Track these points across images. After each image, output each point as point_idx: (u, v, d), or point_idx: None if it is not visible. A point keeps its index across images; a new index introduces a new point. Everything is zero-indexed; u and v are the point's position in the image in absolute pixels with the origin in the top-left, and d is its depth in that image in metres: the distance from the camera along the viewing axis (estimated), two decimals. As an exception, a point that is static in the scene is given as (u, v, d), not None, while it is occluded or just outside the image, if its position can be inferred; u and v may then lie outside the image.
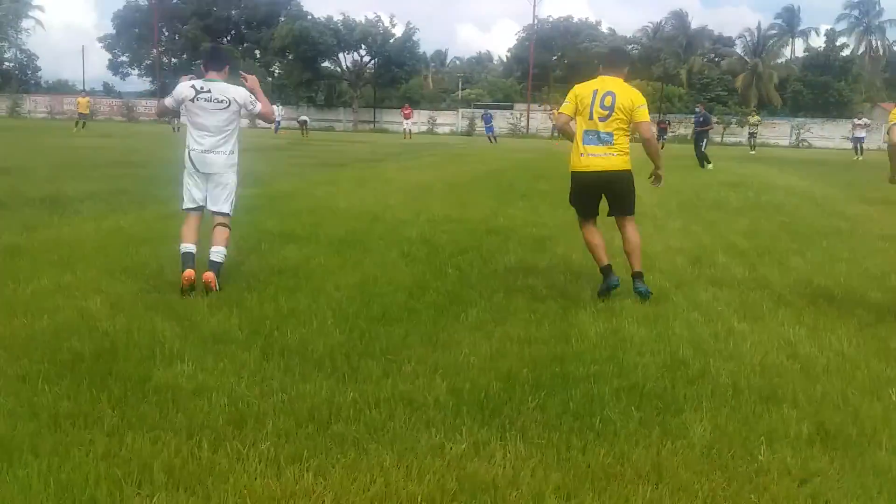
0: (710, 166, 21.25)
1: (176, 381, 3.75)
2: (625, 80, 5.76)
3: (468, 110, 58.86)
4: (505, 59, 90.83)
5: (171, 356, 4.10)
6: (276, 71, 69.70)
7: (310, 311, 5.02)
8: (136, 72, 75.58)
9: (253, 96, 5.77)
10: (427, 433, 3.26)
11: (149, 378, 3.78)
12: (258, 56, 70.77)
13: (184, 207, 5.83)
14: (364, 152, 24.38)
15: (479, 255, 7.16)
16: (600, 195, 5.77)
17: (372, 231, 8.28)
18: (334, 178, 14.74)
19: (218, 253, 5.61)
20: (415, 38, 57.39)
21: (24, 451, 2.99)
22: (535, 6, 59.89)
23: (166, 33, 72.17)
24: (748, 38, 74.36)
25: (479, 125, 52.41)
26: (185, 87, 5.65)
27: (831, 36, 68.00)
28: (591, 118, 5.55)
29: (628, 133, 5.64)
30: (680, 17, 79.19)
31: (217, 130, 5.63)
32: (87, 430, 3.21)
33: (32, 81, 79.82)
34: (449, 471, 2.93)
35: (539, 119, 57.26)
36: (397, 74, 58.50)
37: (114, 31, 73.91)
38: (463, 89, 70.49)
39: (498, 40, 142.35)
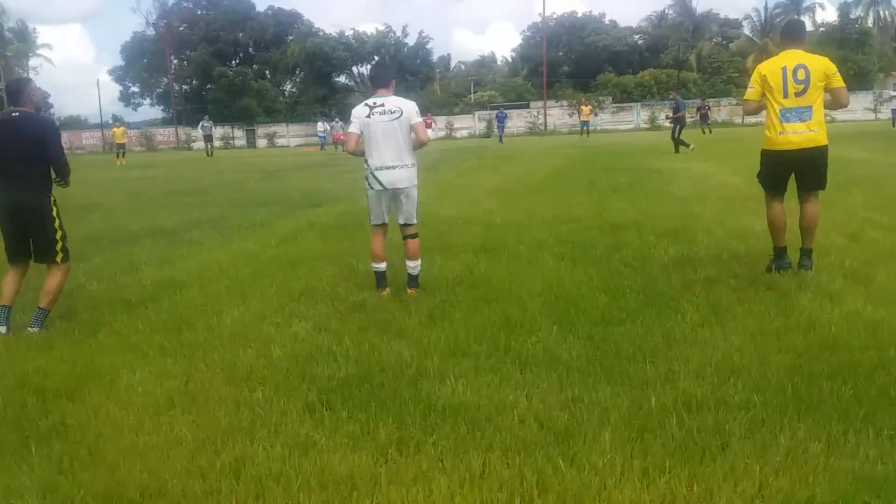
0: (692, 147, 21.04)
1: (468, 399, 3.67)
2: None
3: (485, 112, 58.81)
4: (510, 60, 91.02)
5: (437, 375, 4.02)
6: (288, 90, 69.96)
7: (527, 320, 4.93)
8: (147, 101, 76.13)
9: (417, 111, 5.75)
10: (769, 432, 3.16)
11: (437, 399, 3.69)
12: (269, 76, 71.06)
13: (372, 223, 5.91)
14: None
15: (632, 250, 7.05)
16: (792, 172, 5.71)
17: (502, 236, 8.18)
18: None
19: (415, 267, 5.81)
20: (428, 46, 57.54)
21: (381, 484, 2.92)
22: (544, 2, 58.43)
23: (175, 61, 72.58)
24: (755, 19, 74.13)
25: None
26: (359, 108, 5.72)
27: (844, 9, 67.70)
28: (786, 96, 5.52)
29: (823, 103, 5.58)
30: (683, 4, 79.08)
31: (395, 143, 5.61)
32: (417, 456, 3.13)
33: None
34: (827, 472, 2.83)
35: (556, 115, 57.16)
36: (411, 83, 58.52)
37: (123, 63, 74.47)
38: (475, 92, 70.45)
39: (496, 42, 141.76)
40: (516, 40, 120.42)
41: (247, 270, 7.00)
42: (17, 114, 5.29)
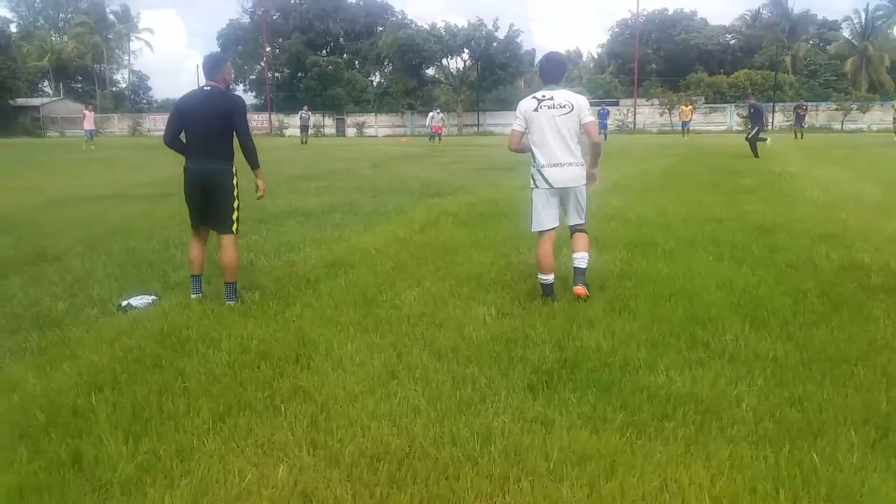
0: (768, 142, 20.96)
1: (690, 390, 3.72)
2: None
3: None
4: (595, 56, 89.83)
5: (646, 365, 4.08)
6: (375, 80, 70.84)
7: (715, 317, 4.93)
8: (240, 87, 78.21)
9: (589, 107, 5.50)
10: None
11: (658, 388, 3.76)
12: (357, 66, 72.06)
13: (536, 230, 5.57)
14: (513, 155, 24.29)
15: (791, 254, 6.92)
16: None
17: (645, 233, 8.14)
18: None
19: (583, 258, 5.51)
20: (518, 39, 57.28)
21: (637, 465, 3.01)
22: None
23: (267, 49, 74.29)
24: (854, 21, 70.99)
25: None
26: (526, 101, 5.50)
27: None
28: None
29: None
30: (779, 4, 76.40)
31: (565, 139, 5.33)
32: (659, 441, 3.21)
33: (144, 101, 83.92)
34: None
35: (646, 114, 56.19)
36: (501, 77, 58.49)
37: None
38: (562, 88, 69.56)
39: (577, 38, 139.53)
40: (599, 37, 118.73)
41: (405, 254, 7.19)
42: (209, 88, 5.55)
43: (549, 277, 5.48)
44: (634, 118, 56.03)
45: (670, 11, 79.82)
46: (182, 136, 5.59)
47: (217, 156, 5.51)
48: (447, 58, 59.22)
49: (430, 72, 62.28)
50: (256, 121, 62.57)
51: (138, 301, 5.55)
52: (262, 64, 72.45)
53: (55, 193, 13.24)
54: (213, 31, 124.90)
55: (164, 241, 8.16)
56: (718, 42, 76.16)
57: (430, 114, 41.41)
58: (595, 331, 4.68)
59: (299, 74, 71.43)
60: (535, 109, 5.40)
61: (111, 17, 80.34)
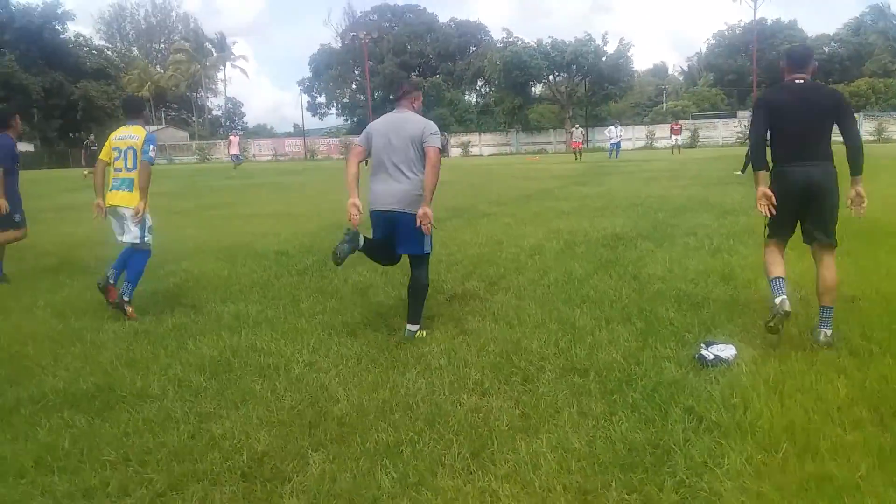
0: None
1: None
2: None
3: (688, 122, 56.59)
4: (685, 69, 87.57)
5: None
6: (473, 100, 70.31)
7: None
8: (333, 111, 78.92)
9: None
10: None
11: None
12: (451, 86, 71.62)
13: None
14: (689, 171, 22.85)
15: None
16: None
17: None
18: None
19: None
20: (629, 53, 55.68)
21: None
22: (755, 9, 55.40)
23: (358, 72, 74.53)
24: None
25: (704, 136, 51.13)
26: None
27: None
28: None
29: None
30: (881, 13, 72.98)
31: None
32: None
33: (239, 127, 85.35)
34: None
35: (764, 126, 53.72)
36: (611, 91, 56.96)
37: (310, 75, 77.36)
38: (667, 101, 67.78)
39: (654, 52, 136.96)
40: (683, 49, 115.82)
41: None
42: (801, 81, 4.66)
43: None
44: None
45: (768, 22, 77.13)
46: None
47: (824, 156, 4.62)
48: (553, 74, 57.97)
49: (538, 89, 61.16)
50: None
51: (725, 352, 4.40)
52: (354, 87, 72.85)
53: (311, 221, 12.47)
54: (288, 59, 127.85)
55: (567, 273, 7.11)
56: (824, 51, 72.89)
57: (610, 128, 39.23)
58: None
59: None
60: None
61: (208, 45, 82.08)
